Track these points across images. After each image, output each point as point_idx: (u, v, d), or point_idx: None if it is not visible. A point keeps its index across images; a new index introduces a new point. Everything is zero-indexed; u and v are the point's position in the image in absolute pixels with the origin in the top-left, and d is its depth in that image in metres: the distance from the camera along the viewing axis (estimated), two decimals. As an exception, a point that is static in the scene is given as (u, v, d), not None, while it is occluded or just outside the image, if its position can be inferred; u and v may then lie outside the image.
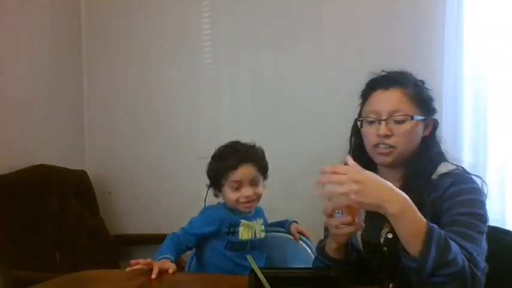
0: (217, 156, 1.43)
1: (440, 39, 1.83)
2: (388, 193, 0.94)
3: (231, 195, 1.38)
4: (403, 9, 1.95)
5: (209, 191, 1.45)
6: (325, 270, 1.10)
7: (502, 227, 1.52)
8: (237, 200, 1.37)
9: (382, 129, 1.13)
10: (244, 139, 1.46)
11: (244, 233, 1.40)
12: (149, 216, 2.38)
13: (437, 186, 1.10)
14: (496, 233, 1.30)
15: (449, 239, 0.95)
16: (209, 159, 1.44)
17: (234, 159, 1.38)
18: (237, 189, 1.37)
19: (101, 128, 2.49)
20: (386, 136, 1.13)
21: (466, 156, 1.78)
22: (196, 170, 2.22)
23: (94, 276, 1.26)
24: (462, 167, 1.17)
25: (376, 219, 1.15)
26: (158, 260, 1.26)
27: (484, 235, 1.05)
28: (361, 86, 1.23)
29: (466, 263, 0.94)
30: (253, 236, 1.42)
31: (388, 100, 1.15)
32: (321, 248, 1.20)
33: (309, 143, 2.07)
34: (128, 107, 2.43)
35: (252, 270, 1.05)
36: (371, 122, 1.16)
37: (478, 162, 1.76)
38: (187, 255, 1.57)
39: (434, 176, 1.13)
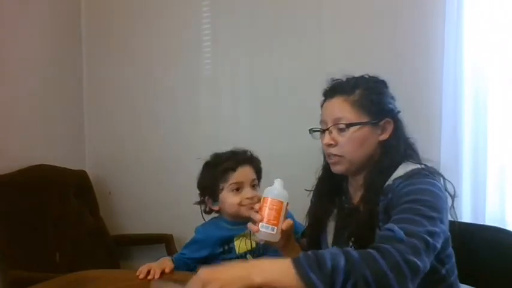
0: (212, 163, 1.38)
1: (440, 39, 1.83)
2: (240, 270, 0.88)
3: (232, 199, 1.32)
4: (403, 8, 1.95)
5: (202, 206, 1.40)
6: None
7: (502, 227, 1.52)
8: (240, 203, 1.31)
9: (326, 138, 1.14)
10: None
11: (241, 246, 1.34)
12: (149, 216, 2.38)
13: (390, 190, 1.06)
14: (496, 233, 1.30)
15: (320, 251, 0.87)
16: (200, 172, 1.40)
17: (232, 161, 1.34)
18: (238, 191, 1.32)
19: (101, 128, 2.49)
20: (331, 145, 1.14)
21: (466, 157, 1.78)
22: (196, 170, 2.23)
23: (94, 276, 1.26)
24: (424, 165, 1.10)
25: (344, 228, 1.17)
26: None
27: (431, 220, 0.94)
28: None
29: (354, 253, 0.84)
30: (252, 246, 1.34)
31: (331, 109, 1.15)
32: None
33: (309, 142, 2.06)
34: (127, 107, 2.43)
35: None
36: (321, 132, 1.18)
37: (478, 162, 1.76)
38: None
39: (389, 182, 1.08)
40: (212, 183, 1.35)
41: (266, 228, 1.04)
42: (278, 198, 1.06)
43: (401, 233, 0.88)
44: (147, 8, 2.36)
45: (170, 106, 2.36)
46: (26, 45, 2.12)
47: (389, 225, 0.92)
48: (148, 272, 1.20)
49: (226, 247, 1.33)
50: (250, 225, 1.09)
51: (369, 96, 1.14)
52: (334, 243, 1.19)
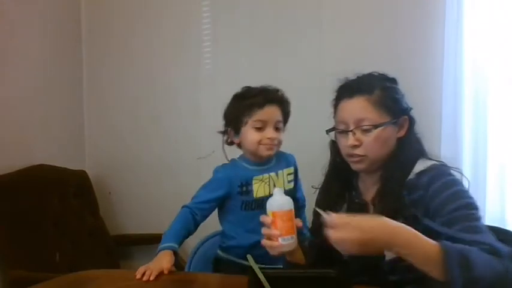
0: (241, 95, 1.36)
1: (440, 39, 1.83)
2: (384, 234, 0.92)
3: (252, 136, 1.30)
4: (403, 8, 1.95)
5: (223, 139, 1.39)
6: (325, 271, 1.09)
7: (502, 227, 1.52)
8: (259, 142, 1.30)
9: (350, 140, 1.13)
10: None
11: (259, 190, 1.33)
12: (149, 216, 2.38)
13: (416, 185, 1.09)
14: (496, 233, 1.29)
15: (469, 255, 0.91)
16: (229, 102, 1.39)
17: (261, 97, 1.31)
18: (260, 129, 1.30)
19: (101, 128, 2.49)
20: (355, 146, 1.13)
21: (466, 156, 1.78)
22: (197, 169, 2.23)
23: (94, 276, 1.25)
24: (440, 161, 1.15)
25: None
26: (162, 247, 1.25)
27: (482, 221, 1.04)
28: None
29: (498, 266, 0.90)
30: (270, 191, 1.32)
31: (353, 109, 1.14)
32: None
33: (309, 142, 2.06)
34: (128, 106, 2.43)
35: (252, 269, 1.05)
36: (341, 132, 1.17)
37: (478, 162, 1.76)
38: (188, 255, 1.57)
39: (411, 176, 1.11)
40: (237, 115, 1.34)
41: (287, 240, 1.07)
42: (286, 209, 1.08)
43: (504, 249, 0.95)
44: (147, 8, 2.36)
45: (170, 106, 2.36)
46: (26, 45, 2.12)
47: (477, 237, 0.97)
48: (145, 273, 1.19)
49: (244, 188, 1.32)
50: (267, 242, 1.09)
51: (389, 95, 1.15)
52: None
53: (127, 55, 2.42)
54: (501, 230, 1.33)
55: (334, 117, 1.21)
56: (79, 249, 2.08)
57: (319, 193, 1.31)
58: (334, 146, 1.25)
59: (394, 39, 1.96)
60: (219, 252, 1.43)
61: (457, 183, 1.09)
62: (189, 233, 1.33)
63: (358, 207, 1.20)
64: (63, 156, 2.28)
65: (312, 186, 1.30)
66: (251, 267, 1.05)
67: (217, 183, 1.34)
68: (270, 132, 1.30)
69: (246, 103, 1.32)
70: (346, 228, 0.92)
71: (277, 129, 1.33)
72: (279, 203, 1.09)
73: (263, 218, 1.11)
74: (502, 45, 1.71)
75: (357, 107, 1.14)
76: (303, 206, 1.55)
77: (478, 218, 1.03)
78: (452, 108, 1.79)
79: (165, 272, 1.20)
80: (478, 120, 1.76)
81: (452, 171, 1.12)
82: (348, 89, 1.18)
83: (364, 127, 1.12)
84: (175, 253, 1.26)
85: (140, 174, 2.42)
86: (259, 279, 1.01)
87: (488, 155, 1.75)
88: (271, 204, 1.10)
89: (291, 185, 1.39)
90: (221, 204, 1.37)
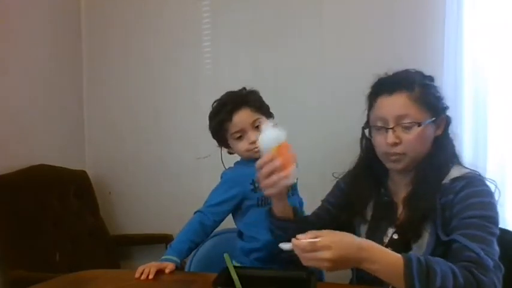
0: (211, 115, 1.38)
1: (440, 39, 1.83)
2: (354, 252, 0.92)
3: (238, 146, 1.33)
4: (403, 8, 1.95)
5: (222, 150, 1.41)
6: (298, 273, 1.05)
7: (502, 227, 1.51)
8: (247, 149, 1.31)
9: (390, 138, 1.09)
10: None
11: None
12: (149, 216, 2.38)
13: (449, 190, 1.08)
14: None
15: (432, 263, 0.92)
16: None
17: (225, 110, 1.33)
18: (241, 138, 1.32)
19: (101, 127, 2.49)
20: (395, 144, 1.10)
21: (466, 156, 1.77)
22: (196, 170, 2.23)
23: (94, 276, 1.25)
24: (477, 171, 1.13)
25: (381, 219, 1.17)
26: (163, 259, 1.25)
27: (496, 238, 1.02)
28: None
29: (461, 278, 0.91)
30: None
31: (393, 106, 1.11)
32: (268, 209, 1.20)
33: (309, 142, 2.07)
34: (128, 106, 2.43)
35: (227, 268, 1.03)
36: (379, 129, 1.13)
37: (478, 162, 1.76)
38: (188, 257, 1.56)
39: (446, 181, 1.10)
40: (217, 135, 1.36)
41: (293, 170, 1.05)
42: (284, 139, 1.05)
43: (488, 261, 0.95)
44: (147, 8, 2.36)
45: (170, 106, 2.36)
46: (26, 45, 2.12)
47: (472, 245, 0.97)
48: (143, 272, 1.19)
49: (257, 184, 1.31)
50: (275, 177, 1.04)
51: (430, 92, 1.13)
52: (370, 233, 1.18)
53: (127, 55, 2.42)
54: (501, 230, 1.33)
55: (369, 113, 1.18)
56: (79, 249, 2.08)
57: (348, 183, 1.27)
58: (366, 142, 1.22)
59: (394, 39, 1.96)
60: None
61: (488, 195, 1.08)
62: (195, 243, 1.33)
63: (386, 205, 1.19)
64: (63, 156, 2.28)
65: (333, 174, 1.28)
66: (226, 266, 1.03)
67: (229, 184, 1.34)
68: (251, 136, 1.31)
69: (217, 122, 1.34)
70: (316, 250, 0.90)
71: (257, 127, 1.32)
72: (276, 135, 1.04)
73: (262, 160, 1.05)
74: (502, 45, 1.71)
75: (398, 104, 1.10)
76: (302, 204, 1.55)
77: (490, 233, 1.01)
78: (452, 108, 1.77)
79: (167, 271, 1.20)
80: (478, 120, 1.76)
81: (487, 182, 1.11)
82: (387, 85, 1.14)
83: (405, 124, 1.09)
84: (176, 266, 1.25)
85: (140, 175, 2.42)
86: (230, 278, 1.00)
87: (488, 155, 1.75)
88: (270, 139, 1.04)
89: (296, 180, 1.40)
90: (236, 208, 1.36)
